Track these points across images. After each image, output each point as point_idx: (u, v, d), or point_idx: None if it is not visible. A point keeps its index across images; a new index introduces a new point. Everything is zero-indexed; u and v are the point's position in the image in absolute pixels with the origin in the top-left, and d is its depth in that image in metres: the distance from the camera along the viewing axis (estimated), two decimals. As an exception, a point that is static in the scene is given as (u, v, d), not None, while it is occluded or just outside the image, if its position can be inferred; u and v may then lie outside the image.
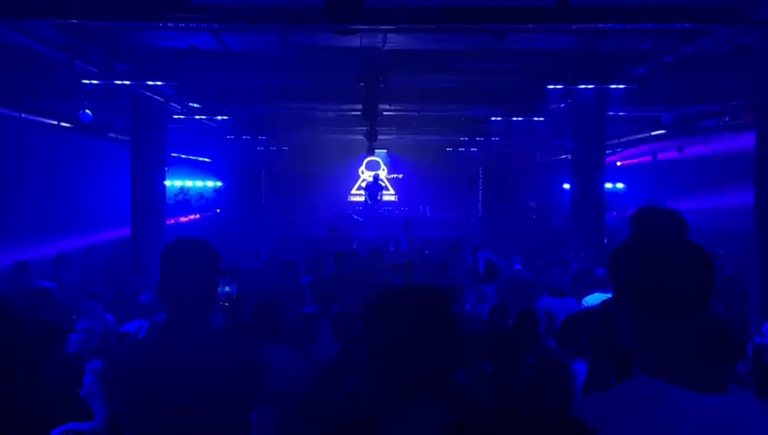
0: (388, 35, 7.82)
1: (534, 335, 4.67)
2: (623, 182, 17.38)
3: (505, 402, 2.95)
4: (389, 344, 1.46)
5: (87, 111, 9.86)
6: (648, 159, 15.66)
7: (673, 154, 13.73)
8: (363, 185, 20.88)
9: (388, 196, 21.21)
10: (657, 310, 1.37)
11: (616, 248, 1.50)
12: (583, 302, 5.71)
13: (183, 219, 16.37)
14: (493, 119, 12.71)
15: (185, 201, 16.92)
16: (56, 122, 10.87)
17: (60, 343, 2.95)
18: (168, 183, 11.02)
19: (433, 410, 1.47)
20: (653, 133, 12.78)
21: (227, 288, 2.34)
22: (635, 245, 1.47)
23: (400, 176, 21.70)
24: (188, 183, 17.73)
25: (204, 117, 12.43)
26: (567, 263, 8.96)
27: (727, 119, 10.08)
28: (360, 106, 9.57)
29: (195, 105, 11.45)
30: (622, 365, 2.11)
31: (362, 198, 20.63)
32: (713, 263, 1.40)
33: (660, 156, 15.08)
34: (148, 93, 9.39)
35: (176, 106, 10.75)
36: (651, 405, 1.32)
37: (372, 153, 16.27)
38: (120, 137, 12.38)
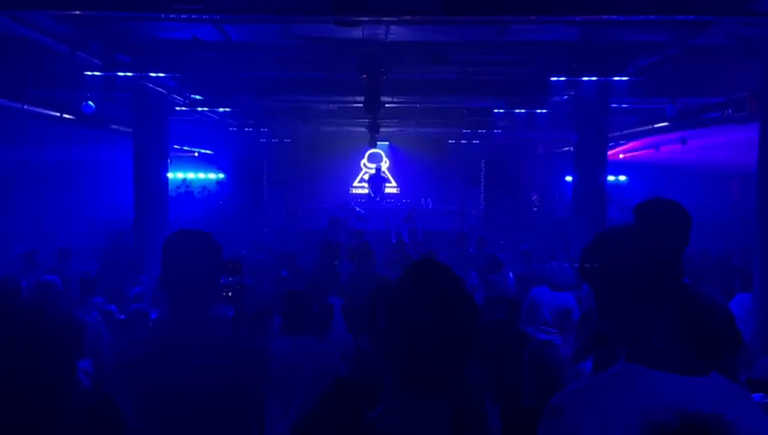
0: (391, 27, 7.79)
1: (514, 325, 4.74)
2: (625, 174, 17.32)
3: (492, 393, 2.96)
4: (407, 339, 1.40)
5: (89, 102, 9.84)
6: (651, 151, 15.58)
7: (676, 147, 13.66)
8: (365, 177, 20.87)
9: (390, 188, 21.18)
10: (631, 296, 1.41)
11: (588, 244, 1.52)
12: None
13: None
14: (495, 111, 12.67)
15: (187, 193, 16.90)
16: (59, 114, 10.85)
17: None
18: (170, 175, 11.00)
19: (441, 405, 1.42)
20: (656, 126, 12.71)
21: (230, 278, 2.34)
22: (601, 236, 1.52)
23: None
24: (191, 175, 17.70)
25: (206, 109, 12.41)
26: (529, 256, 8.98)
27: (731, 111, 10.02)
28: (362, 98, 9.54)
29: (197, 97, 11.43)
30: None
31: (364, 191, 20.62)
32: (681, 241, 1.42)
33: (663, 148, 15.00)
34: (150, 85, 9.36)
35: (177, 98, 10.72)
36: (631, 391, 1.32)
37: (374, 145, 16.25)
38: (122, 129, 12.36)
